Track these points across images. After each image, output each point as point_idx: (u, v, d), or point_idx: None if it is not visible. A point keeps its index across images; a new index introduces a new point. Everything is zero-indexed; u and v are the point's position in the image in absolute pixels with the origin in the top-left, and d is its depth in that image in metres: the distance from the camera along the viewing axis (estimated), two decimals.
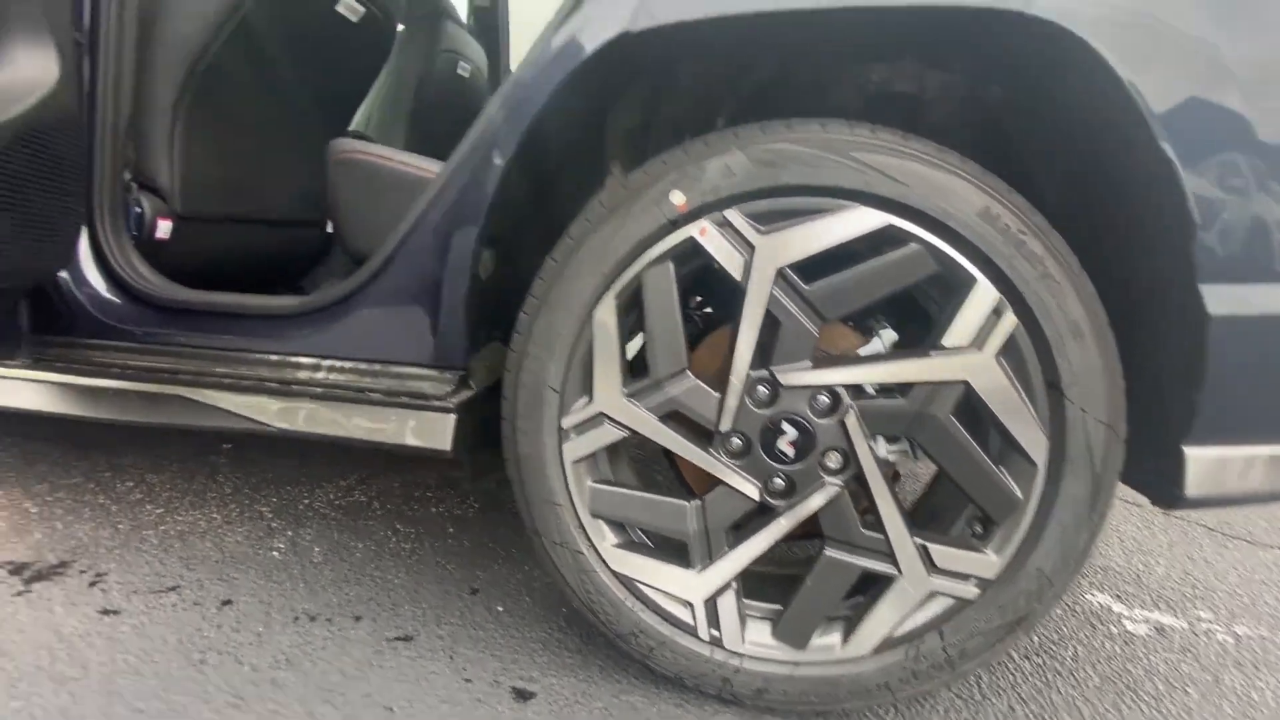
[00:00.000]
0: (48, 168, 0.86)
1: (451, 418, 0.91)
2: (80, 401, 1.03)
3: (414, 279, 0.94)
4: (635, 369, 0.84)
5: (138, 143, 1.23)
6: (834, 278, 0.76)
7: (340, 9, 1.42)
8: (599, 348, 0.81)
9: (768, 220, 0.76)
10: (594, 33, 0.77)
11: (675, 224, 0.77)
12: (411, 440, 0.92)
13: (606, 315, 0.81)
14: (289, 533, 1.31)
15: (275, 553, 1.23)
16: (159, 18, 1.20)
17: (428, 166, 1.13)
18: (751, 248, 0.76)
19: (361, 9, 1.46)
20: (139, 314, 1.07)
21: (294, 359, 0.99)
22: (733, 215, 0.76)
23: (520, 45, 2.72)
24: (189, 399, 0.99)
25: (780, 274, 0.75)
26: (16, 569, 1.12)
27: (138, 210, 1.23)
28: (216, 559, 1.19)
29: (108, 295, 1.08)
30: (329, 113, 1.69)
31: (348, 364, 0.98)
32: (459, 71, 2.22)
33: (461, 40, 2.22)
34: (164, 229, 1.29)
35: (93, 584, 1.09)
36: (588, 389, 0.83)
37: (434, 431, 0.91)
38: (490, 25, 2.63)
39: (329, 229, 1.85)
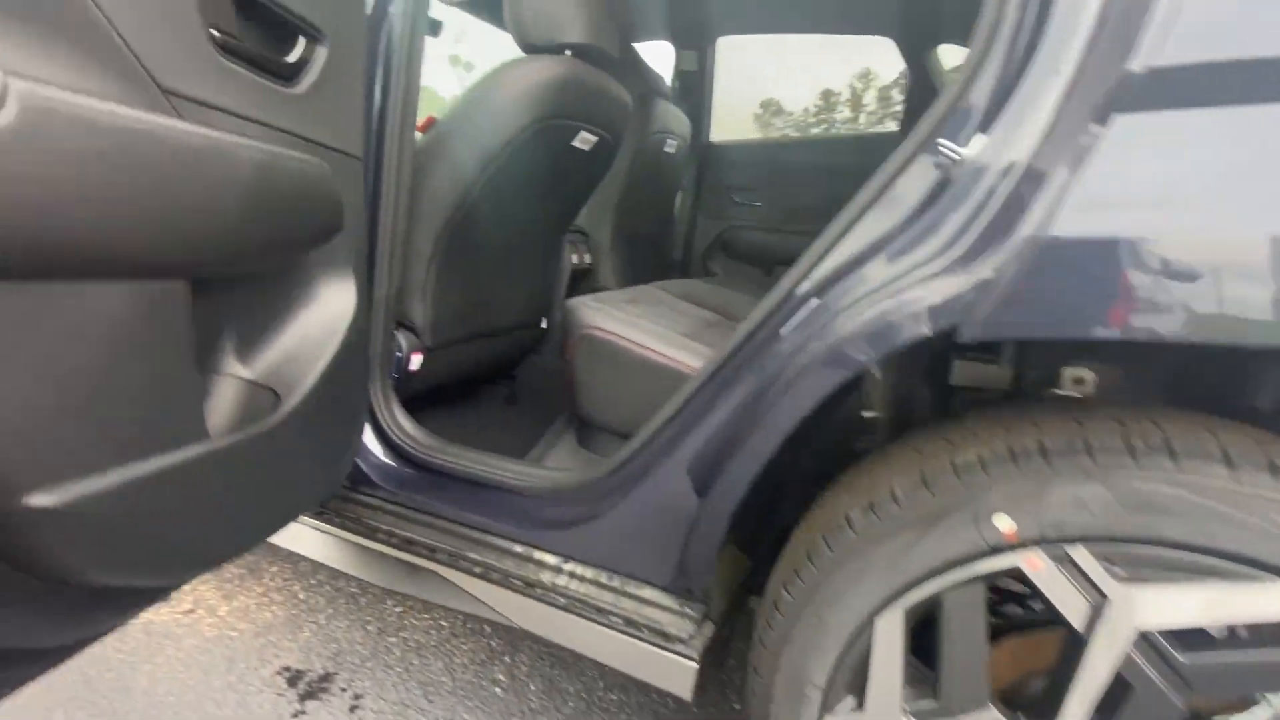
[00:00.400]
0: (343, 390, 0.93)
1: (694, 667, 0.86)
2: (354, 561, 1.13)
3: (664, 494, 0.90)
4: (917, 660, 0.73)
5: (403, 292, 1.33)
6: (1227, 656, 0.58)
7: (575, 143, 1.42)
8: (878, 658, 0.71)
9: (1132, 566, 0.60)
10: (922, 321, 0.66)
11: (997, 550, 0.64)
12: (651, 679, 0.89)
13: (892, 627, 0.70)
14: (506, 659, 1.38)
15: (498, 689, 1.29)
16: (423, 183, 1.27)
17: (683, 360, 1.08)
18: (1104, 597, 0.61)
19: (594, 138, 1.46)
20: (403, 475, 1.15)
21: (538, 555, 1.01)
22: (1079, 554, 0.61)
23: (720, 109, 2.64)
24: (444, 578, 1.05)
25: (1143, 637, 0.60)
26: (293, 679, 1.28)
27: (399, 354, 1.34)
28: (449, 688, 1.28)
29: (378, 454, 1.18)
30: (556, 222, 1.74)
31: (589, 572, 0.97)
32: (665, 149, 2.19)
33: (669, 116, 2.18)
34: (415, 362, 1.39)
35: (353, 709, 1.22)
36: (858, 693, 0.73)
37: (675, 677, 0.87)
38: (694, 88, 2.56)
39: (544, 325, 1.91)
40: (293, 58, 0.75)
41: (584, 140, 1.44)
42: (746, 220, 2.65)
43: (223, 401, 0.74)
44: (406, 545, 1.09)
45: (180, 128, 0.51)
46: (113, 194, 0.46)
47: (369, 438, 1.20)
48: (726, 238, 2.66)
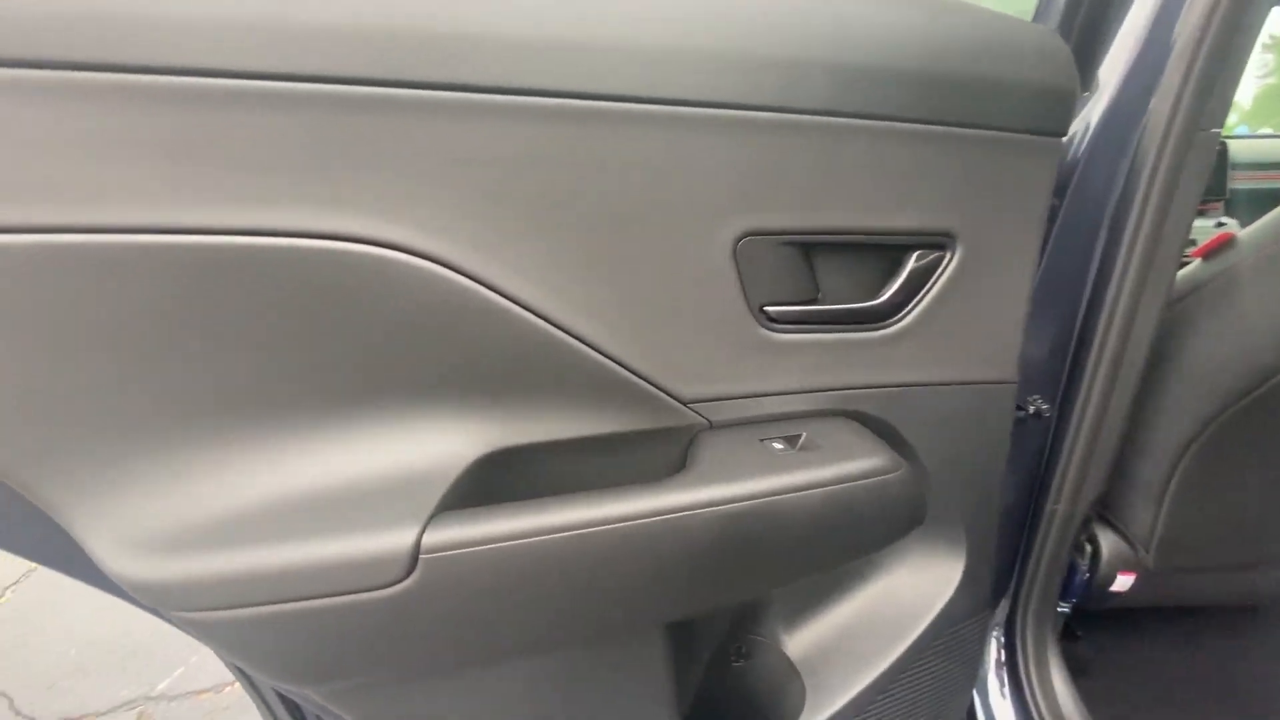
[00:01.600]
0: (931, 687, 0.68)
1: None
2: None
3: None
4: None
5: (1119, 484, 0.89)
6: None
7: None
8: None
9: None
10: None
11: None
12: None
13: None
14: None
15: None
16: (1184, 345, 0.77)
17: None
18: None
19: None
20: None
21: None
22: None
23: None
24: None
25: None
26: None
27: (1083, 572, 0.92)
28: None
29: (1000, 713, 0.86)
30: None
31: None
32: None
33: None
34: (1122, 583, 0.93)
35: None
36: None
37: None
38: None
39: None
40: (886, 294, 0.53)
41: None
42: None
43: (752, 679, 0.66)
44: None
45: (623, 511, 0.42)
46: (541, 602, 0.42)
47: (991, 678, 0.88)
48: None
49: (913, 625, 0.64)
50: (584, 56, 0.40)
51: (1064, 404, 0.77)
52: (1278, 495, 0.88)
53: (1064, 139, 0.54)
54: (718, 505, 0.44)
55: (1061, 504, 0.79)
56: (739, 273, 0.48)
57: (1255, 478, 0.84)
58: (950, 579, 0.64)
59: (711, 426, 0.51)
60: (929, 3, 0.48)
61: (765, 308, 0.50)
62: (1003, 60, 0.49)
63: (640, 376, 0.48)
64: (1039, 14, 0.64)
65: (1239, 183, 1.98)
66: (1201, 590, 0.98)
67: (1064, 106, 0.52)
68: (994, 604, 0.84)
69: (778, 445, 0.50)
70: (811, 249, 0.51)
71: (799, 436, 0.51)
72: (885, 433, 0.56)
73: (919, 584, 0.64)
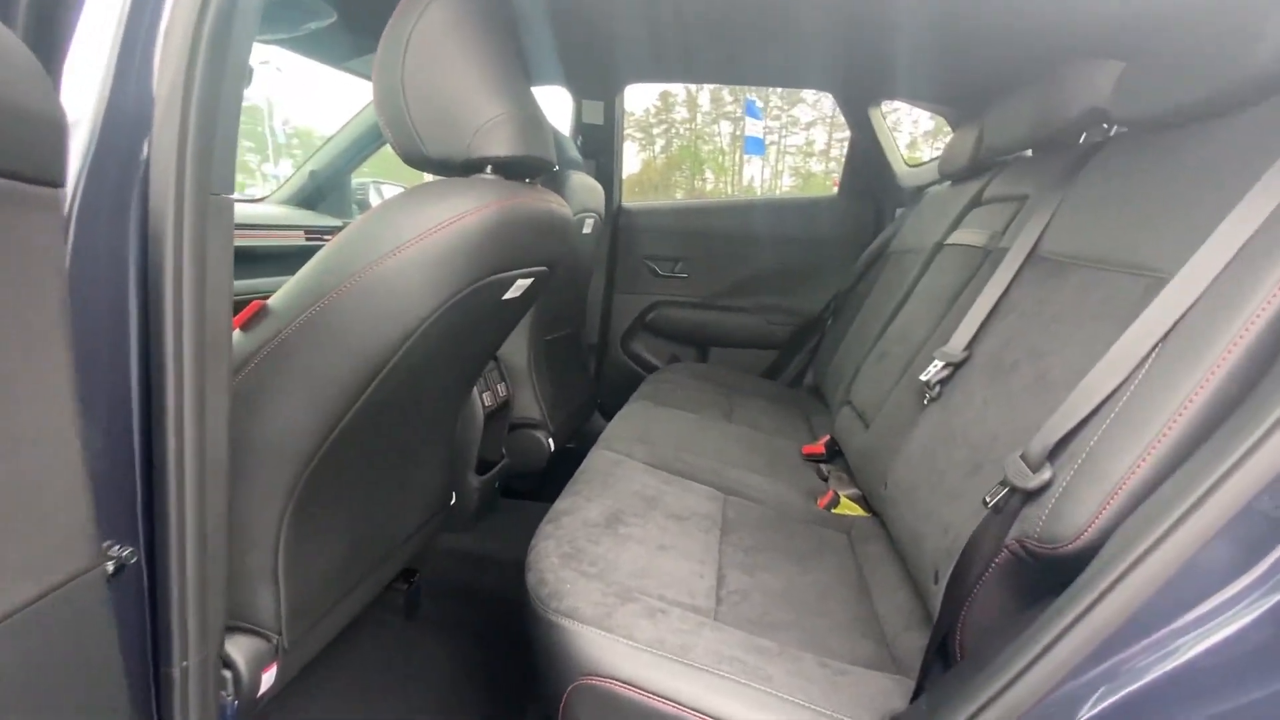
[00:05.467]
0: None
1: None
2: None
3: None
4: None
5: (230, 585, 0.77)
6: None
7: (509, 295, 0.94)
8: None
9: None
10: None
11: None
12: None
13: None
14: None
15: None
16: (257, 418, 0.73)
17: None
18: None
19: (530, 279, 0.98)
20: None
21: None
22: None
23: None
24: None
25: None
26: None
27: (227, 698, 0.77)
28: None
29: None
30: (467, 382, 1.22)
31: None
32: (583, 231, 1.73)
33: (585, 190, 1.72)
34: (268, 680, 0.83)
35: None
36: None
37: None
38: (602, 141, 2.12)
39: (451, 501, 1.39)
40: None
41: (519, 287, 0.96)
42: (671, 295, 2.27)
43: None
44: None
45: None
46: None
47: None
48: (650, 318, 2.26)
49: None
50: None
51: (152, 543, 0.59)
52: (380, 505, 1.00)
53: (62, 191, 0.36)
54: None
55: (192, 657, 0.62)
56: None
57: (354, 504, 0.91)
58: None
59: None
60: None
61: None
62: None
63: None
64: None
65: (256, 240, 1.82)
66: (341, 617, 1.01)
67: (55, 143, 0.34)
68: None
69: None
70: None
71: None
72: None
73: None
